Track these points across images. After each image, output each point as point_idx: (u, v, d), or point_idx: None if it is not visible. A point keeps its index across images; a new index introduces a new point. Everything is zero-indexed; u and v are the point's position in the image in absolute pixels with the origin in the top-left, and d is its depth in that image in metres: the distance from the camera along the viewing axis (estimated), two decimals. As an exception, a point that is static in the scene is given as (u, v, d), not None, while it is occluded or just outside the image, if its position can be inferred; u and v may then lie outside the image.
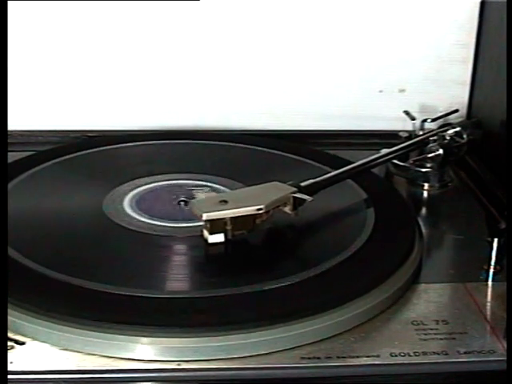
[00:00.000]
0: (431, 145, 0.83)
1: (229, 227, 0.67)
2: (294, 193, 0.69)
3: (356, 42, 0.93)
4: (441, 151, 0.82)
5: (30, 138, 0.91)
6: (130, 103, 0.93)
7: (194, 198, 0.74)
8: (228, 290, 0.61)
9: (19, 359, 0.56)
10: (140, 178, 0.78)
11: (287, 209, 0.69)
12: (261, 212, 0.67)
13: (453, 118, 0.89)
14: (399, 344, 0.59)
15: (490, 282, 0.67)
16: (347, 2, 0.91)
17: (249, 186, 0.72)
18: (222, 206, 0.67)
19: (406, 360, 0.58)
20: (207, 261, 0.67)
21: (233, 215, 0.67)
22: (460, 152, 0.84)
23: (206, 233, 0.67)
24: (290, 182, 0.70)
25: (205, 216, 0.66)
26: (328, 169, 0.77)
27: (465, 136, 0.85)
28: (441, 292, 0.66)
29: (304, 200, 0.69)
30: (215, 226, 0.67)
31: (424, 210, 0.81)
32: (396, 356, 0.58)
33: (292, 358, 0.57)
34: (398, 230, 0.71)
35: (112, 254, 0.67)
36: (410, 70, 0.94)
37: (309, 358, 0.57)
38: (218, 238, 0.67)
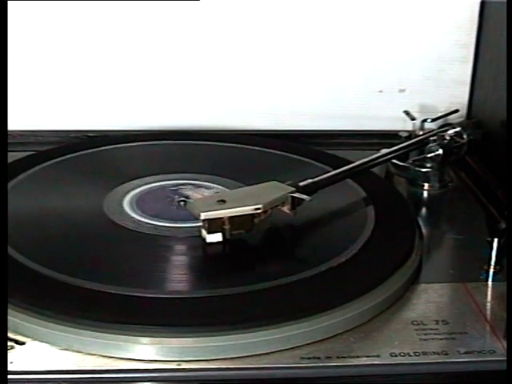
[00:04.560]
0: (431, 145, 0.83)
1: (227, 227, 0.67)
2: (293, 192, 0.69)
3: (356, 42, 0.93)
4: (440, 151, 0.82)
5: (29, 137, 0.91)
6: (130, 103, 0.93)
7: (193, 197, 0.74)
8: (227, 289, 0.61)
9: (19, 359, 0.56)
10: (140, 178, 0.78)
11: (286, 208, 0.69)
12: (259, 211, 0.67)
13: (453, 118, 0.89)
14: (399, 344, 0.59)
15: (489, 282, 0.67)
16: (347, 3, 0.91)
17: (247, 186, 0.72)
18: (219, 205, 0.67)
19: (405, 360, 0.58)
20: (207, 261, 0.67)
21: (231, 214, 0.67)
22: (460, 152, 0.84)
23: (204, 232, 0.67)
24: (289, 182, 0.70)
25: (202, 215, 0.66)
26: (328, 168, 0.77)
27: (465, 136, 0.85)
28: (441, 292, 0.66)
29: (302, 200, 0.69)
30: (213, 225, 0.67)
31: (424, 210, 0.81)
32: (396, 356, 0.58)
33: (292, 357, 0.57)
34: (397, 230, 0.71)
35: (112, 254, 0.67)
36: (410, 70, 0.94)
37: (309, 358, 0.57)
38: (216, 237, 0.67)
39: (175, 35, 0.91)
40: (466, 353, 0.59)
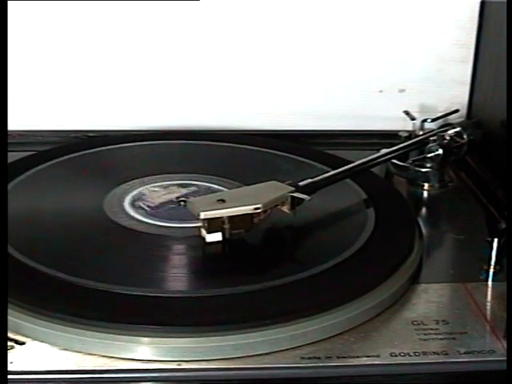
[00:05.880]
0: (431, 145, 0.83)
1: (226, 226, 0.67)
2: (292, 192, 0.69)
3: (356, 42, 0.93)
4: (440, 151, 0.82)
5: (29, 138, 0.91)
6: (130, 103, 0.93)
7: (193, 197, 0.74)
8: (228, 289, 0.61)
9: (19, 359, 0.56)
10: (140, 177, 0.78)
11: (285, 208, 0.69)
12: (258, 211, 0.67)
13: (453, 118, 0.89)
14: (399, 344, 0.59)
15: (489, 282, 0.67)
16: (347, 2, 0.91)
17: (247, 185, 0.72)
18: (219, 204, 0.67)
19: (406, 360, 0.58)
20: (207, 261, 0.67)
21: (230, 214, 0.67)
22: (460, 152, 0.84)
23: (203, 232, 0.67)
24: (288, 182, 0.70)
25: (202, 215, 0.66)
26: (328, 169, 0.77)
27: (465, 136, 0.85)
28: (441, 292, 0.66)
29: (302, 199, 0.69)
30: (213, 224, 0.67)
31: (424, 210, 0.81)
32: (396, 356, 0.58)
33: (292, 357, 0.57)
34: (397, 230, 0.71)
35: (112, 254, 0.67)
36: (409, 70, 0.94)
37: (309, 358, 0.57)
38: (216, 236, 0.67)
39: (175, 35, 0.91)
40: (465, 353, 0.59)
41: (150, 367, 0.56)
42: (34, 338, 0.58)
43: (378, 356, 0.58)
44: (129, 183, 0.77)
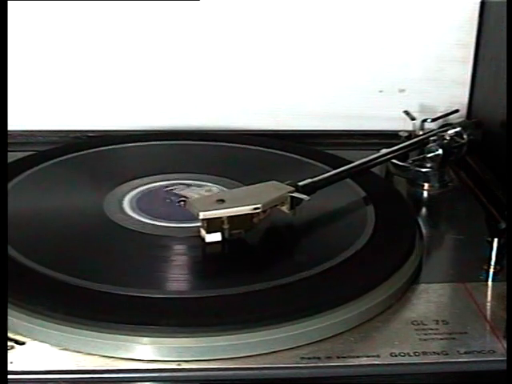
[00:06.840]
0: (431, 145, 0.83)
1: (226, 226, 0.67)
2: (292, 192, 0.69)
3: (356, 42, 0.93)
4: (440, 151, 0.82)
5: (29, 138, 0.91)
6: (130, 103, 0.93)
7: (192, 197, 0.74)
8: (227, 289, 0.61)
9: (19, 359, 0.56)
10: (140, 178, 0.78)
11: (285, 208, 0.69)
12: (258, 211, 0.67)
13: (453, 118, 0.89)
14: (399, 344, 0.59)
15: (489, 282, 0.67)
16: (347, 3, 0.91)
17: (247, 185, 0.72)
18: (218, 205, 0.67)
19: (405, 360, 0.58)
20: (207, 261, 0.67)
21: (230, 214, 0.67)
22: (460, 152, 0.84)
23: (203, 232, 0.67)
24: (288, 182, 0.70)
25: (201, 215, 0.66)
26: (328, 168, 0.77)
27: (465, 136, 0.85)
28: (441, 292, 0.66)
29: (301, 199, 0.69)
30: (212, 224, 0.67)
31: (424, 210, 0.81)
32: (396, 356, 0.58)
33: (292, 357, 0.57)
34: (398, 230, 0.71)
35: (112, 254, 0.67)
36: (409, 69, 0.94)
37: (309, 358, 0.57)
38: (215, 237, 0.67)
39: (175, 35, 0.91)
40: (465, 353, 0.59)
41: (150, 367, 0.56)
42: (34, 338, 0.58)
43: (377, 356, 0.58)
44: (128, 183, 0.77)
